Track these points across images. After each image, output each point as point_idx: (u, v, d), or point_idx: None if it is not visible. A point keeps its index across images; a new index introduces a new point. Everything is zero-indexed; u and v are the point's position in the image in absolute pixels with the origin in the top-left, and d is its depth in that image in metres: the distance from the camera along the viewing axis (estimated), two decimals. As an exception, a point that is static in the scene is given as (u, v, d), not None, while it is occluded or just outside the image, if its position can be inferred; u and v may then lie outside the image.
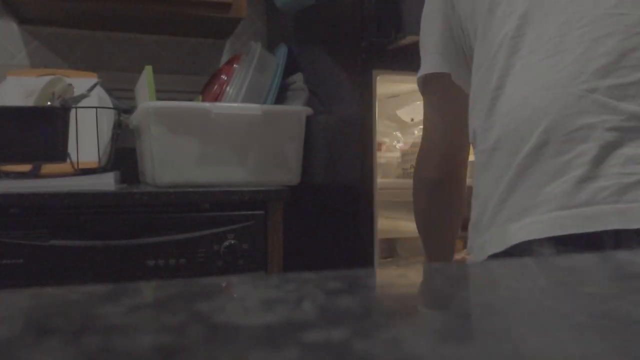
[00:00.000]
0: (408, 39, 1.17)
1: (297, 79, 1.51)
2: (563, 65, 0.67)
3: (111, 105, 1.52)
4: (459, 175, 0.94)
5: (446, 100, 0.90)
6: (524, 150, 0.68)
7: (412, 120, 1.71)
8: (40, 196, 1.09)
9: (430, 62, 0.87)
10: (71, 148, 1.27)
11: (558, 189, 0.64)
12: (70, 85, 1.37)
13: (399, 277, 0.36)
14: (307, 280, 0.29)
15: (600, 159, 0.63)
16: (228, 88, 1.44)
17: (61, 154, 1.26)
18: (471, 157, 0.91)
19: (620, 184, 0.62)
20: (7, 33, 1.67)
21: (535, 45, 0.70)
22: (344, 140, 1.30)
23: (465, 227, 1.40)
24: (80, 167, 1.30)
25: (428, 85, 0.90)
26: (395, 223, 1.59)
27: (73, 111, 1.28)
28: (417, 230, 1.00)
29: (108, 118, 1.49)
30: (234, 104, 1.39)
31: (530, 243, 0.65)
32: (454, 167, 0.93)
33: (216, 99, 1.45)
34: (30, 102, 1.42)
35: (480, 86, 0.76)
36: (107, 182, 1.26)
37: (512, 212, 0.68)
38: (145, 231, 1.16)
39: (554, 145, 0.66)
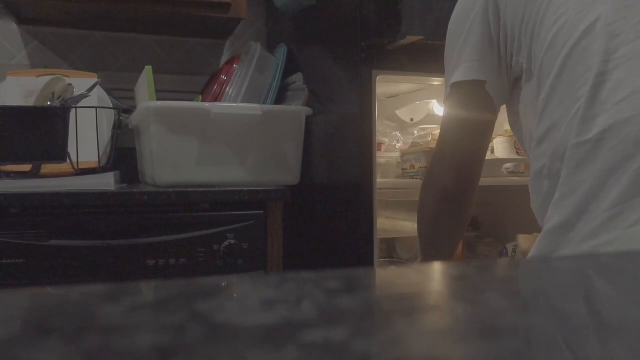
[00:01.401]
0: (408, 39, 1.17)
1: (297, 79, 1.51)
2: None
3: (111, 105, 1.52)
4: (472, 188, 0.91)
5: (473, 109, 0.87)
6: None
7: (411, 120, 1.71)
8: (40, 196, 1.09)
9: (468, 68, 0.85)
10: (71, 148, 1.27)
11: None
12: (70, 85, 1.37)
13: (399, 277, 0.36)
14: (307, 280, 0.29)
15: None
16: (228, 88, 1.44)
17: (61, 154, 1.26)
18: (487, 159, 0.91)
19: None
20: (7, 33, 1.67)
21: None
22: (343, 140, 1.30)
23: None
24: (80, 167, 1.30)
25: (458, 92, 0.87)
26: (395, 223, 1.59)
27: (73, 111, 1.28)
28: (416, 231, 1.00)
29: (108, 118, 1.49)
30: (233, 104, 1.39)
31: None
32: (468, 179, 0.90)
33: (216, 99, 1.45)
34: (30, 102, 1.42)
35: (567, 73, 0.71)
36: (107, 182, 1.26)
37: None
38: (145, 231, 1.16)
39: None
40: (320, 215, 1.44)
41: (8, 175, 1.28)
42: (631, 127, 0.63)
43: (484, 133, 0.89)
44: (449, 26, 0.91)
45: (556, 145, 0.72)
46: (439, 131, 0.96)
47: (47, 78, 1.44)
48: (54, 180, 1.23)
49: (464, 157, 0.89)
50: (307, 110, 1.40)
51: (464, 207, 0.92)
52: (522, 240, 1.53)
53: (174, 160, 1.29)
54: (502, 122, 1.28)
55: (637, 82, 0.65)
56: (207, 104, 1.34)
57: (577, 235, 0.66)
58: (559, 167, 0.71)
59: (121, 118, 1.46)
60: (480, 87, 0.85)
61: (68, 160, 1.28)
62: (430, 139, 1.56)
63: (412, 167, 1.44)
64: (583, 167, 0.67)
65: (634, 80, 0.65)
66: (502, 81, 0.84)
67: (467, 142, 0.89)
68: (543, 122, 0.75)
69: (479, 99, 0.86)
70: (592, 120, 0.66)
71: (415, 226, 0.98)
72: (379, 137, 1.39)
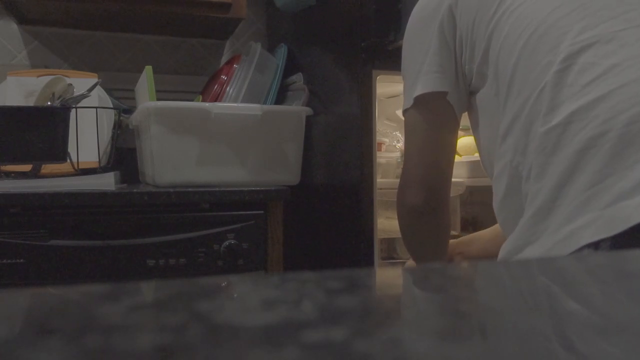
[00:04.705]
0: (408, 39, 1.17)
1: (297, 79, 1.51)
2: None
3: (111, 105, 1.52)
4: (443, 202, 0.89)
5: (434, 122, 0.86)
6: (629, 112, 0.60)
7: (412, 120, 1.70)
8: (40, 196, 1.09)
9: (428, 81, 0.84)
10: (71, 148, 1.27)
11: None
12: (70, 85, 1.37)
13: (398, 277, 0.36)
14: (307, 280, 0.29)
15: None
16: (228, 88, 1.44)
17: (61, 154, 1.26)
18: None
19: None
20: (7, 33, 1.68)
21: (609, 17, 0.66)
22: (344, 140, 1.30)
23: (464, 228, 1.39)
24: (80, 167, 1.30)
25: (420, 105, 0.86)
26: (395, 223, 1.58)
27: (73, 111, 1.28)
28: None
29: (108, 118, 1.49)
30: (234, 104, 1.39)
31: None
32: (437, 195, 0.88)
33: (216, 99, 1.45)
34: (30, 102, 1.42)
35: (524, 61, 0.69)
36: (107, 182, 1.26)
37: (623, 187, 0.58)
38: (145, 231, 1.16)
39: None
40: (320, 215, 1.44)
41: (8, 175, 1.28)
42: (600, 106, 0.62)
43: (449, 146, 0.88)
44: (405, 37, 0.91)
45: (518, 138, 0.70)
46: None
47: (48, 78, 1.44)
48: (54, 180, 1.23)
49: (430, 175, 0.87)
50: (307, 110, 1.40)
51: (439, 221, 0.91)
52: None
53: (174, 160, 1.29)
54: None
55: (605, 64, 0.64)
56: (207, 104, 1.34)
57: (553, 223, 0.64)
58: (520, 160, 0.69)
59: (121, 118, 1.46)
60: (443, 99, 0.84)
61: (68, 160, 1.28)
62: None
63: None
64: (554, 153, 0.64)
65: (601, 62, 0.64)
66: (460, 90, 0.84)
67: (432, 158, 0.87)
68: (506, 116, 0.72)
69: (442, 111, 0.85)
70: (559, 105, 0.65)
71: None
72: (379, 137, 1.39)
